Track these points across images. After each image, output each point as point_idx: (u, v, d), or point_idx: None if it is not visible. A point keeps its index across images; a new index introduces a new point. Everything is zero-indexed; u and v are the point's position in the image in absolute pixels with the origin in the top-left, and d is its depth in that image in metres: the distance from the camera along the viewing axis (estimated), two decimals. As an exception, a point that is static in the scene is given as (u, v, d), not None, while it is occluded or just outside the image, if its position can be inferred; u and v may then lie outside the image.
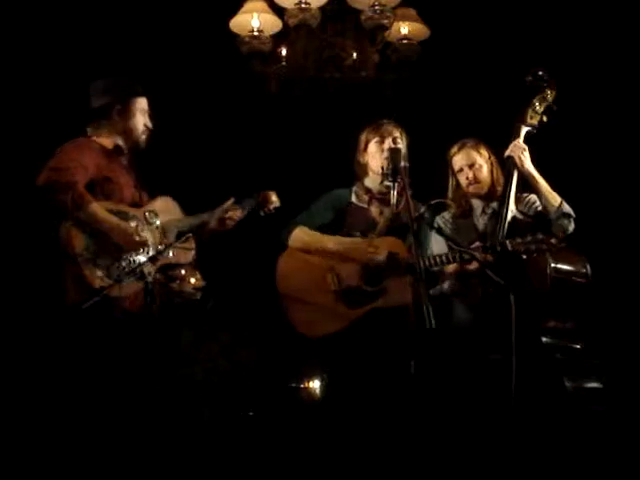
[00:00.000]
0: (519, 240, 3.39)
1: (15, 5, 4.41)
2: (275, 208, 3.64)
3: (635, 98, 4.60)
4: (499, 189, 3.74)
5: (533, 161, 3.67)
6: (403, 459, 3.05)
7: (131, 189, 3.49)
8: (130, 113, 3.49)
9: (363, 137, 3.81)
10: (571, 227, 3.59)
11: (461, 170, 3.79)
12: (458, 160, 3.80)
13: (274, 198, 3.64)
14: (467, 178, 3.77)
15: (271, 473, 3.73)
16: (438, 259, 3.50)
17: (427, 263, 3.44)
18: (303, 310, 3.59)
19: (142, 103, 3.53)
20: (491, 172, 3.79)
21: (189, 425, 3.99)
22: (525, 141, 3.70)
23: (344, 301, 3.55)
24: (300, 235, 3.71)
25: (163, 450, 3.31)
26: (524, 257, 3.39)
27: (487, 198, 3.79)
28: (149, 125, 3.54)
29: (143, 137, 3.53)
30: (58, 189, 3.17)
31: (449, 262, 3.51)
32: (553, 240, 3.40)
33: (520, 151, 3.64)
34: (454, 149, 3.83)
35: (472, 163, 3.77)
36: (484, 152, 3.80)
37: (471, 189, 3.79)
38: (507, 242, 3.41)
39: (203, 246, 3.53)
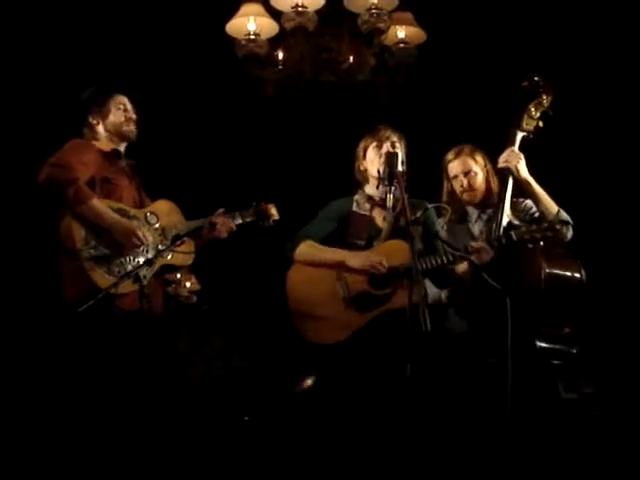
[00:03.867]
0: (524, 229, 3.38)
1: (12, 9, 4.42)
2: (274, 221, 3.64)
3: (631, 103, 4.61)
4: (494, 197, 3.73)
5: (529, 167, 3.66)
6: (399, 462, 3.04)
7: (131, 192, 3.50)
8: (106, 110, 3.50)
9: (361, 145, 3.77)
10: (569, 234, 3.57)
11: (456, 177, 3.79)
12: (454, 167, 3.80)
13: (273, 211, 3.64)
14: (462, 185, 3.77)
15: (268, 477, 3.73)
16: (433, 261, 3.48)
17: (422, 266, 3.42)
18: (315, 321, 3.56)
19: (116, 99, 3.55)
20: (486, 180, 3.79)
21: (185, 429, 3.98)
22: (521, 147, 3.70)
23: (354, 307, 3.53)
24: (306, 249, 3.67)
25: (159, 451, 3.31)
26: (530, 246, 3.36)
27: (482, 205, 3.79)
28: (131, 116, 3.54)
29: (129, 128, 3.54)
30: (60, 185, 3.20)
31: (442, 264, 3.49)
32: (557, 226, 3.38)
33: (516, 160, 3.63)
34: (450, 155, 3.82)
35: (468, 171, 3.77)
36: (480, 160, 3.80)
37: (465, 196, 3.79)
38: (512, 232, 3.39)
39: (199, 251, 3.53)
